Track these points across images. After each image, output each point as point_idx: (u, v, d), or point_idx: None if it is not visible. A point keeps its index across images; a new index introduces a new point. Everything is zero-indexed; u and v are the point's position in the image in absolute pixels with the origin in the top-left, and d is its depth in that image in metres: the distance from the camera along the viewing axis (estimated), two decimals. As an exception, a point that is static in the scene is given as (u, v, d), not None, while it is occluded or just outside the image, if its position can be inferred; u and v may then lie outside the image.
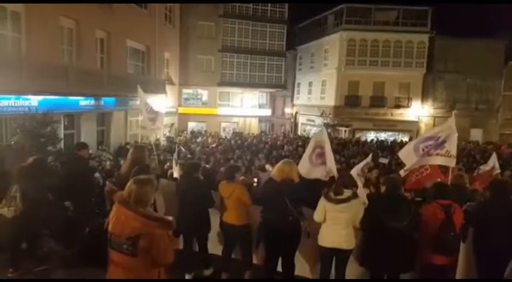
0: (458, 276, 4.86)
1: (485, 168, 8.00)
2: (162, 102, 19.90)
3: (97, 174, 7.43)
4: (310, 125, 28.95)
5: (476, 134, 25.50)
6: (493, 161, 7.92)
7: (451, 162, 5.48)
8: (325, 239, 4.27)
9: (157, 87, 19.08)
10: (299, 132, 28.70)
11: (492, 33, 25.64)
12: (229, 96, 28.06)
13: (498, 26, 26.49)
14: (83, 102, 12.95)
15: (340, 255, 4.25)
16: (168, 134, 21.05)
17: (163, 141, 18.10)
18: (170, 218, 2.81)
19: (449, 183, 5.41)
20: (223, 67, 26.63)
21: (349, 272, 4.38)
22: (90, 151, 9.72)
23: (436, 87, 25.77)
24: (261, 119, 30.05)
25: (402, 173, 5.84)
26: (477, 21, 26.02)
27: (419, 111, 25.64)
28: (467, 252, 4.61)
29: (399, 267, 4.12)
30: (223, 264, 4.81)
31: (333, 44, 26.09)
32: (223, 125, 27.80)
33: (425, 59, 24.97)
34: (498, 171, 7.81)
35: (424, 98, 25.78)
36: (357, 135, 24.39)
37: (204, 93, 27.51)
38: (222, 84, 26.78)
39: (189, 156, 11.94)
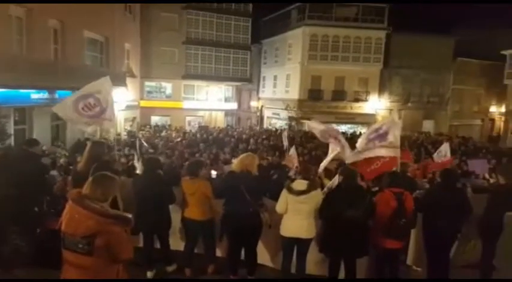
0: (409, 258, 5.20)
1: (439, 155, 8.50)
2: (122, 95, 19.32)
3: (54, 172, 7.11)
4: (276, 118, 29.27)
5: (428, 126, 27.00)
6: (445, 149, 8.44)
7: (396, 153, 5.72)
8: (287, 229, 4.39)
9: (117, 80, 18.39)
10: (265, 126, 28.93)
11: (443, 30, 27.13)
12: (195, 90, 27.66)
13: (448, 24, 28.08)
14: (35, 95, 12.23)
15: (301, 244, 4.39)
16: (129, 129, 20.47)
17: (124, 136, 17.61)
18: (129, 215, 2.76)
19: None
20: (187, 60, 26.16)
21: (309, 258, 4.54)
22: (44, 147, 9.27)
23: (392, 81, 26.87)
24: (227, 113, 29.92)
25: (353, 156, 5.87)
26: (430, 19, 27.37)
27: (377, 105, 26.64)
28: (417, 236, 4.93)
29: (355, 253, 4.34)
30: (186, 260, 4.80)
31: (296, 38, 26.41)
32: (188, 118, 27.41)
33: (382, 54, 25.90)
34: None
35: (381, 91, 26.79)
36: (320, 128, 24.88)
37: (168, 86, 26.92)
38: (186, 77, 26.33)
39: (151, 150, 11.71)
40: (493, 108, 30.25)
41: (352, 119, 25.96)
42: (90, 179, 2.75)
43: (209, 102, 27.86)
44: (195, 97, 27.65)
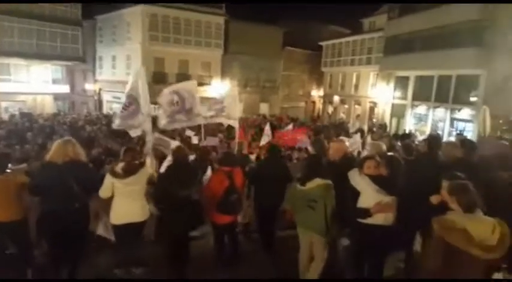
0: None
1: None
2: None
3: None
4: (117, 102, 27.18)
5: (263, 108, 29.97)
6: (267, 129, 9.68)
7: (235, 123, 6.70)
8: (118, 216, 4.19)
9: None
10: (105, 111, 26.64)
11: (273, 21, 30.37)
12: (11, 69, 23.12)
13: (278, 16, 31.57)
14: None
15: (135, 228, 4.23)
16: None
17: None
18: None
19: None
20: (-1, 34, 21.62)
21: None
22: None
23: (232, 66, 28.44)
24: (57, 97, 26.12)
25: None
26: (263, 10, 30.22)
27: (219, 89, 27.92)
28: (251, 207, 5.50)
29: (188, 227, 4.42)
30: None
31: (135, 17, 24.87)
32: (4, 104, 22.84)
33: (222, 40, 27.06)
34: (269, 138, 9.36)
35: (223, 76, 28.08)
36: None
37: (-29, 65, 21.72)
38: (-2, 54, 21.75)
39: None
40: (314, 92, 35.32)
41: (197, 102, 26.55)
42: None
43: (32, 85, 23.75)
44: (12, 78, 23.16)
